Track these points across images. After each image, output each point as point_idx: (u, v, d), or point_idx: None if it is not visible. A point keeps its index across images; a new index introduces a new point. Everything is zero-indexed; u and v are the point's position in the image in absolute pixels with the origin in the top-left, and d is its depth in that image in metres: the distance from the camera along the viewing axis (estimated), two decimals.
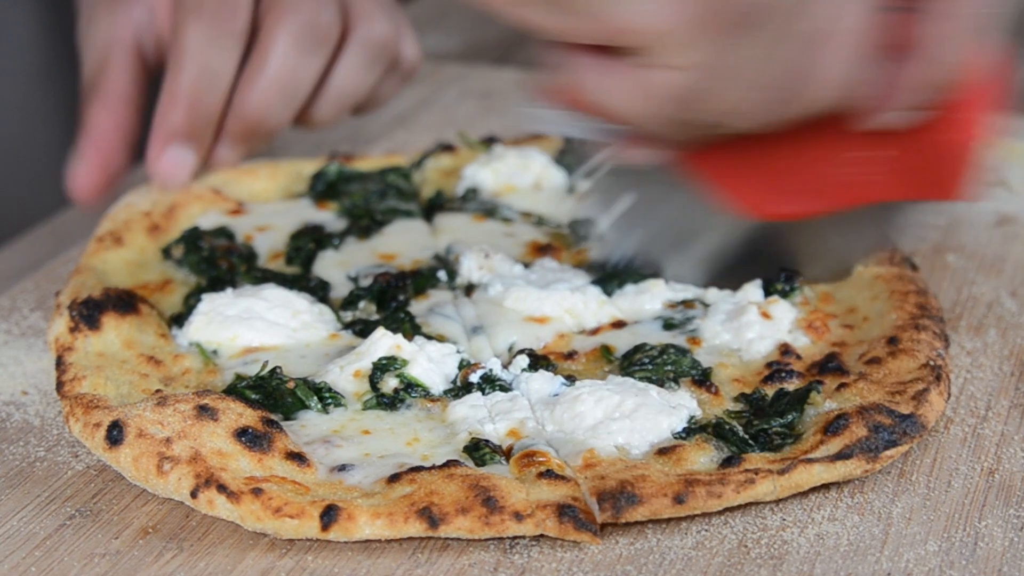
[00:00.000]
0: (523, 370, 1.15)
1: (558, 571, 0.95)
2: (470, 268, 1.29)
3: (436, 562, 0.96)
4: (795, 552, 0.97)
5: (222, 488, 0.98)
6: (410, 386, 1.12)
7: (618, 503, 0.98)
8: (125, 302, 1.19)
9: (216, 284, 1.26)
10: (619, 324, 1.22)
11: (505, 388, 1.13)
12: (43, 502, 1.03)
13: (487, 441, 1.05)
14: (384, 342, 1.14)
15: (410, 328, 1.20)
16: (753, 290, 1.23)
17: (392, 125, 1.70)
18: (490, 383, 1.13)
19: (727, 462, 1.02)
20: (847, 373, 1.12)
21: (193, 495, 0.99)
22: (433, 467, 1.01)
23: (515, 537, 0.98)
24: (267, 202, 1.42)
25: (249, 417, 1.05)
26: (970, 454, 1.07)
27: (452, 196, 1.45)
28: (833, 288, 1.26)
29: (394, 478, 1.00)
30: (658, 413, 1.07)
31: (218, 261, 1.30)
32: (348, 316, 1.24)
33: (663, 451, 1.04)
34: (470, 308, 1.25)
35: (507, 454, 1.05)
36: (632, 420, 1.06)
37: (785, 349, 1.17)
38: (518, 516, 0.97)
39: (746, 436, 1.06)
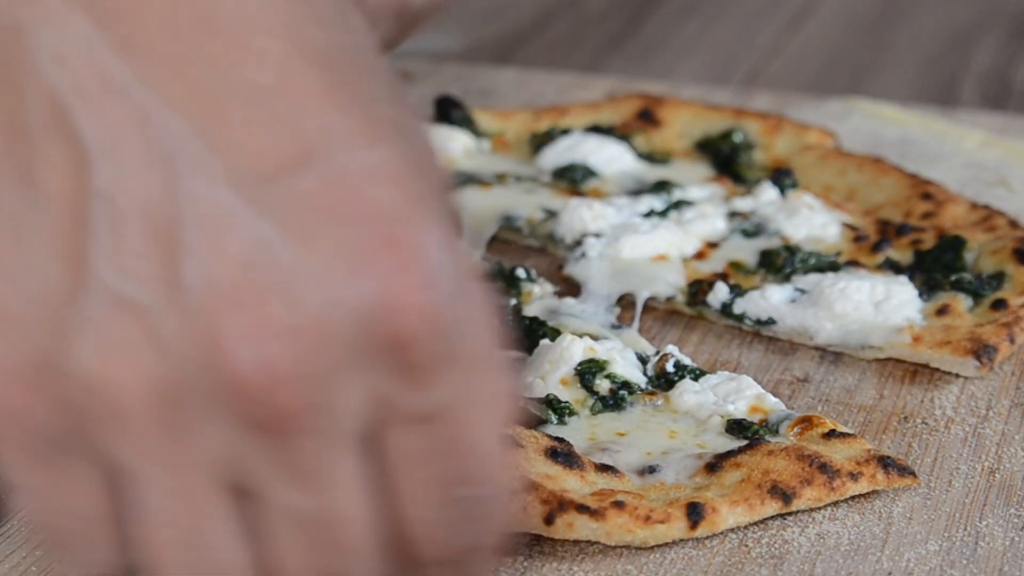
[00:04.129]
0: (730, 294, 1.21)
1: (559, 571, 0.95)
2: (583, 220, 1.30)
3: None
4: (796, 551, 0.97)
5: (582, 508, 0.94)
6: (623, 385, 1.10)
7: (989, 352, 1.11)
8: None
9: None
10: (709, 245, 1.28)
11: (701, 372, 1.12)
12: None
13: (744, 420, 1.06)
14: (577, 346, 1.11)
15: (552, 335, 1.17)
16: (769, 190, 1.34)
17: None
18: (685, 369, 1.12)
19: (997, 304, 1.16)
20: None
21: (548, 522, 0.94)
22: (743, 449, 1.00)
23: (516, 536, 0.98)
24: None
25: (542, 438, 1.01)
26: (971, 453, 1.07)
27: None
28: None
29: (713, 467, 0.99)
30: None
31: None
32: None
33: (940, 312, 1.17)
34: (591, 304, 1.23)
35: (763, 427, 1.05)
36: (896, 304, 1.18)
37: (849, 227, 1.29)
38: (853, 476, 0.98)
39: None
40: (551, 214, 1.36)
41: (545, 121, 1.54)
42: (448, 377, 0.74)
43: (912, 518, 1.00)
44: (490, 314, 0.77)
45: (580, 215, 1.31)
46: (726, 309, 1.21)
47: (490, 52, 2.03)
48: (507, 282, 1.25)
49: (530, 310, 1.22)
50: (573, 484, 0.98)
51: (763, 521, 0.99)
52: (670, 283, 1.24)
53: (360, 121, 0.75)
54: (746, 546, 0.97)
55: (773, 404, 1.08)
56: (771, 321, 1.19)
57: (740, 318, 1.21)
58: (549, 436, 1.02)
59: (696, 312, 1.24)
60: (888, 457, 1.01)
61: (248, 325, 0.69)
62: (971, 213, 1.30)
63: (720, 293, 1.22)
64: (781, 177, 1.38)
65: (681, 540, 0.98)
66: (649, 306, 1.26)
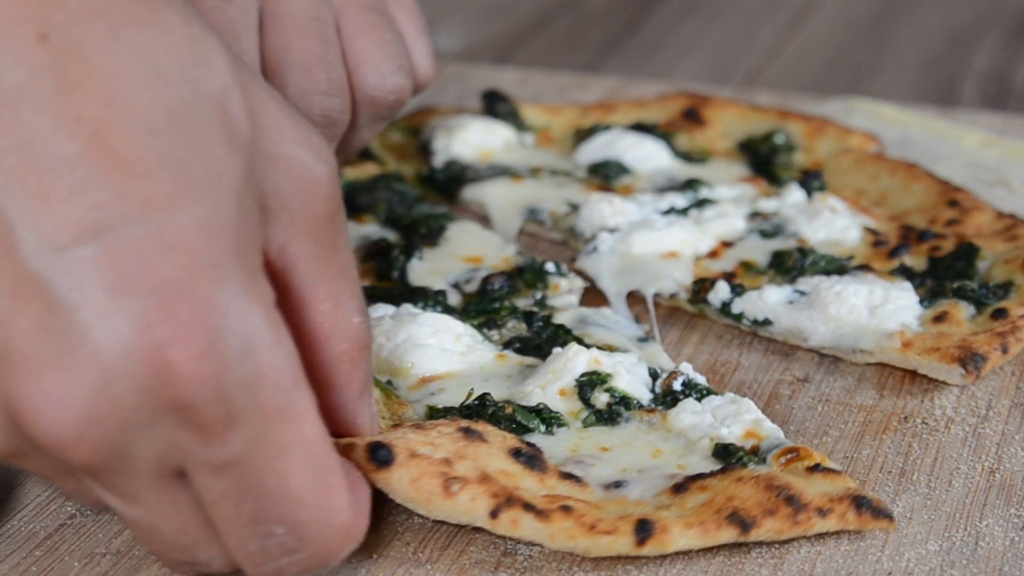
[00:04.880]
0: (729, 294, 1.21)
1: (559, 571, 0.95)
2: (602, 215, 1.30)
3: (437, 561, 0.96)
4: (796, 551, 0.97)
5: (528, 507, 0.93)
6: (622, 400, 1.08)
7: (976, 361, 1.11)
8: None
9: None
10: (724, 244, 1.29)
11: (709, 391, 1.10)
12: (44, 501, 1.03)
13: (732, 444, 1.03)
14: (582, 357, 1.10)
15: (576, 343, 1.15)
16: (796, 191, 1.35)
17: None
18: (693, 388, 1.10)
19: (997, 313, 1.16)
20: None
21: (493, 515, 0.93)
22: (714, 473, 0.98)
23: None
24: None
25: (511, 439, 1.00)
26: (971, 454, 1.07)
27: (432, 169, 1.45)
28: None
29: (679, 488, 0.97)
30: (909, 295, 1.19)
31: None
32: (494, 335, 1.18)
33: (937, 319, 1.16)
34: (617, 314, 1.22)
35: (752, 453, 1.03)
36: (896, 307, 1.17)
37: (870, 231, 1.30)
38: (821, 512, 0.95)
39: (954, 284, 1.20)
40: (574, 208, 1.36)
41: (591, 117, 1.54)
42: (237, 433, 0.78)
43: (912, 518, 1.00)
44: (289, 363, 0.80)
45: (600, 210, 1.31)
46: (725, 308, 1.21)
47: (490, 52, 2.03)
48: (535, 275, 1.25)
49: (560, 318, 1.20)
50: (529, 484, 0.97)
51: None
52: (676, 280, 1.24)
53: (166, 186, 0.77)
54: (746, 546, 0.97)
55: (770, 430, 1.05)
56: (767, 322, 1.20)
57: (738, 317, 1.21)
58: (521, 439, 1.01)
59: (698, 310, 1.24)
60: (864, 497, 0.97)
61: (40, 392, 0.75)
62: (996, 222, 1.29)
63: (721, 292, 1.21)
64: (809, 180, 1.37)
65: None
66: (654, 303, 1.26)
